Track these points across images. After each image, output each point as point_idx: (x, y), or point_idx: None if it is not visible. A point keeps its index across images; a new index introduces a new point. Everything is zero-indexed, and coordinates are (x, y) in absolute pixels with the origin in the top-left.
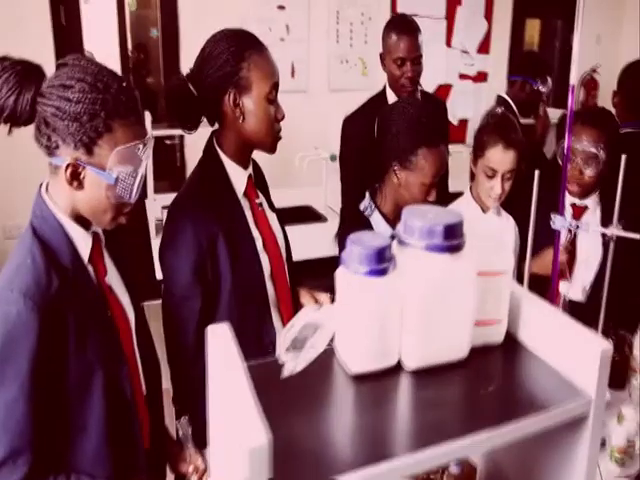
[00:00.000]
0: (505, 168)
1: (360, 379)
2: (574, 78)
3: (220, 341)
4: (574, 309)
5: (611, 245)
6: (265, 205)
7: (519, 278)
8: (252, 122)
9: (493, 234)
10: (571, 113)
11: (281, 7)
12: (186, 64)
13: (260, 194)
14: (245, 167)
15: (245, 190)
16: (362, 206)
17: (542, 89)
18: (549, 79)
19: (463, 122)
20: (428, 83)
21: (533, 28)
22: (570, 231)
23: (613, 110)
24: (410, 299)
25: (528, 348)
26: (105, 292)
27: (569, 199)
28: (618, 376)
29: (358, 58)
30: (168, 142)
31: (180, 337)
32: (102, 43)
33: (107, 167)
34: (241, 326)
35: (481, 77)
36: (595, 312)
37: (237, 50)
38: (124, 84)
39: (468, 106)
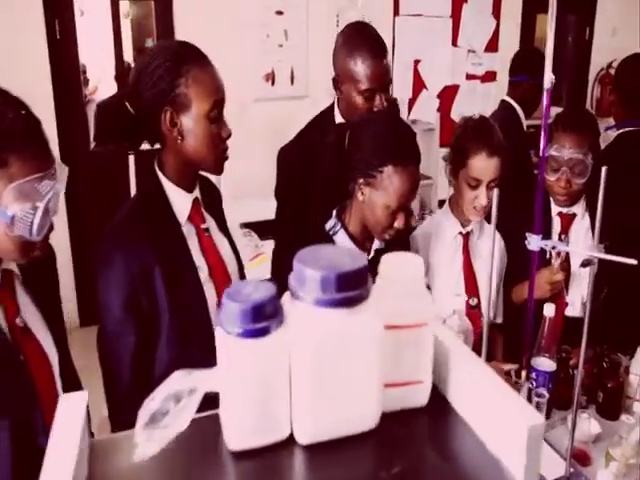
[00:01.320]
0: (490, 177)
1: (242, 456)
2: (547, 82)
3: (68, 412)
4: (574, 327)
5: (591, 270)
6: (214, 230)
7: (506, 302)
8: (192, 142)
9: (416, 277)
10: (546, 119)
11: (279, 12)
12: None
13: (209, 218)
14: (189, 190)
15: (190, 215)
16: (328, 225)
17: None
18: (553, 76)
19: None
20: (433, 85)
21: (544, 24)
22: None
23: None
24: (298, 362)
25: (457, 413)
26: (16, 334)
27: (556, 208)
28: (611, 405)
29: None
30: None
31: (115, 373)
32: (98, 56)
33: (2, 204)
34: (184, 363)
35: (489, 76)
36: (596, 329)
37: (173, 65)
38: (22, 112)
39: (476, 107)
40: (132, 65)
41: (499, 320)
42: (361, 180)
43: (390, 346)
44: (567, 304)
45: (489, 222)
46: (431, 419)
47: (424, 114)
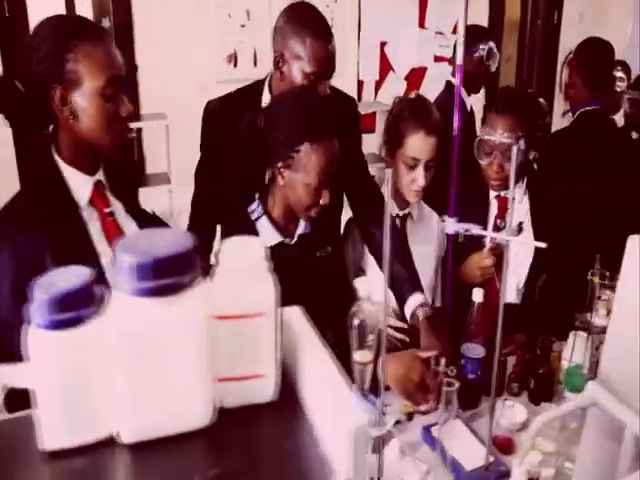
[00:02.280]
0: (427, 156)
1: (56, 457)
2: (460, 58)
3: None
4: (510, 312)
5: (505, 252)
6: (121, 214)
7: (444, 286)
8: (86, 122)
9: (254, 263)
10: (459, 93)
11: None
12: (142, 56)
13: (115, 201)
14: (90, 172)
15: (91, 198)
16: (250, 209)
17: (485, 57)
18: (493, 48)
19: None
20: (400, 67)
21: (514, 5)
22: (498, 229)
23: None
24: (113, 355)
25: (303, 409)
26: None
27: (493, 191)
28: (543, 391)
29: None
30: None
31: (7, 360)
32: None
33: None
34: None
35: None
36: (532, 315)
37: (61, 40)
38: None
39: None
40: None
41: (437, 304)
42: (279, 164)
43: (224, 338)
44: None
45: (429, 205)
46: (275, 416)
47: (391, 97)
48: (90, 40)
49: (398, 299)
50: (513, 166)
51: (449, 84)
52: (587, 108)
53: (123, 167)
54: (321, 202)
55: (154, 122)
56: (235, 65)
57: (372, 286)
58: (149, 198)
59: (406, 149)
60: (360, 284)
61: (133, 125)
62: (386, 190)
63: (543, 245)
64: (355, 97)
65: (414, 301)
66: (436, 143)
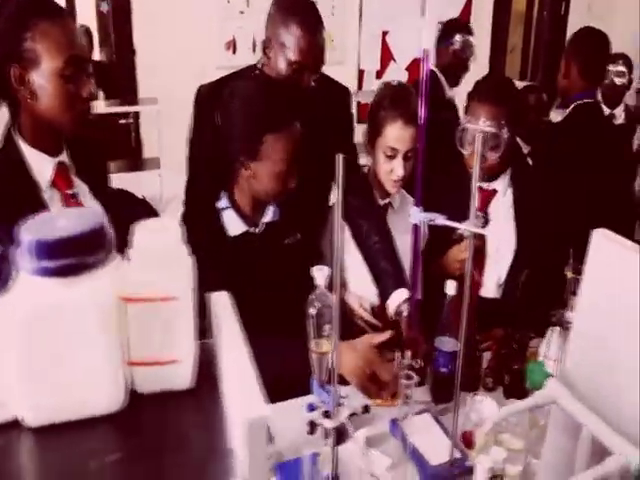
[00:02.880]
0: (406, 146)
1: None
2: (426, 42)
3: None
4: (489, 307)
5: (469, 242)
6: (85, 195)
7: (425, 278)
8: (45, 102)
9: (169, 245)
10: (426, 80)
11: None
12: (140, 41)
13: (80, 183)
14: (53, 153)
15: (53, 180)
16: (218, 201)
17: (460, 49)
18: (470, 39)
19: None
20: (402, 57)
21: None
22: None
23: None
24: (11, 337)
25: (219, 396)
26: None
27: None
28: (517, 387)
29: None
30: (122, 121)
31: None
32: None
33: None
34: None
35: None
36: (512, 310)
37: (19, 18)
38: None
39: None
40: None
41: (418, 296)
42: (243, 158)
43: (135, 321)
44: (480, 284)
45: (411, 194)
46: (190, 403)
47: None
48: (48, 18)
49: (382, 294)
50: (477, 158)
51: (433, 73)
52: (582, 101)
53: (89, 148)
54: (290, 186)
55: (146, 107)
56: (234, 52)
57: (350, 275)
58: (142, 183)
59: (385, 138)
60: (317, 272)
61: (127, 110)
62: (338, 185)
63: (484, 232)
64: (355, 86)
65: (398, 296)
66: (416, 134)
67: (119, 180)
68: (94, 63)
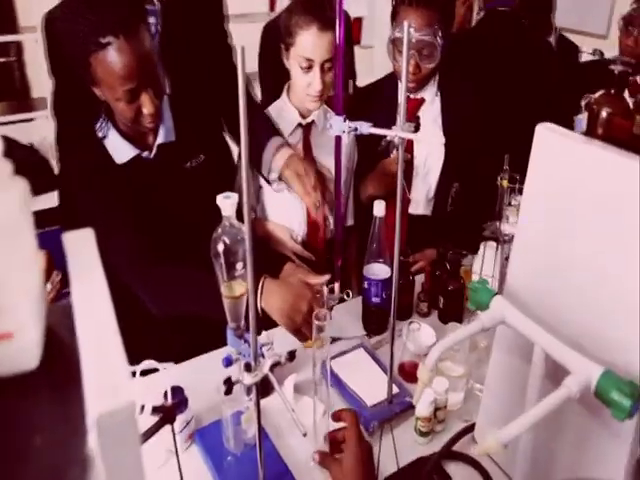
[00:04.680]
0: (323, 56)
1: None
2: None
3: None
4: (420, 224)
5: (400, 150)
6: None
7: (356, 202)
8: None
9: None
10: None
11: None
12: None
13: None
14: None
15: None
16: (97, 126)
17: None
18: None
19: (357, 20)
20: None
21: None
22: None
23: None
24: None
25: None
26: None
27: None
28: (453, 310)
29: None
30: (2, 60)
31: None
32: None
33: None
34: None
35: None
36: (443, 227)
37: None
38: None
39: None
40: None
41: (350, 222)
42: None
43: None
44: (409, 201)
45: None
46: (37, 389)
47: None
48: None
49: (259, 154)
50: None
51: None
52: (497, 8)
53: None
54: (145, 111)
55: (26, 36)
56: None
57: (270, 204)
58: (32, 126)
59: (298, 48)
60: (223, 201)
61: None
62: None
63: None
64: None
65: (275, 142)
66: (333, 40)
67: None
68: None
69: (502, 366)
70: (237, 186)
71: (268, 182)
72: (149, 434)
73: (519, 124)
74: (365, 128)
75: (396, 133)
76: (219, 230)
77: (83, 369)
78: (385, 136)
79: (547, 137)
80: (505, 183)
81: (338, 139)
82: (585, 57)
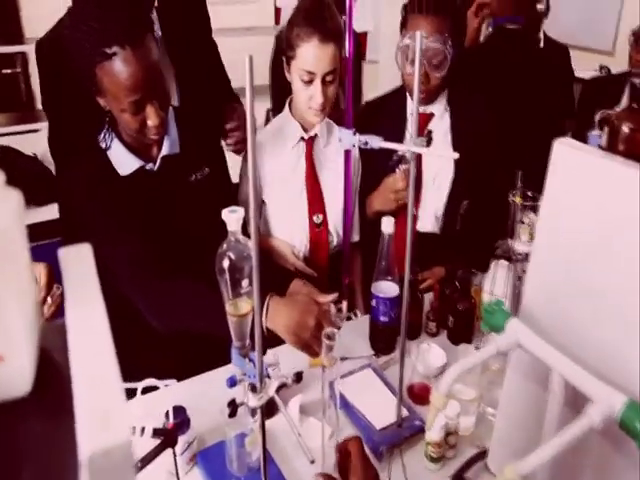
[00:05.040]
0: (324, 68)
1: None
2: None
3: None
4: (428, 243)
5: (411, 166)
6: None
7: (362, 218)
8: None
9: None
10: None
11: None
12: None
13: None
14: None
15: None
16: (100, 137)
17: None
18: None
19: (362, 35)
20: None
21: None
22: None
23: None
24: None
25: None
26: None
27: (410, 107)
28: (463, 330)
29: None
30: (8, 71)
31: None
32: None
33: None
34: None
35: None
36: (452, 245)
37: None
38: None
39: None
40: None
41: (356, 238)
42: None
43: None
44: (417, 218)
45: (346, 125)
46: (28, 416)
47: None
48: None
49: None
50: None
51: None
52: (505, 25)
53: None
54: (149, 123)
55: (30, 47)
56: None
57: (274, 220)
58: (39, 137)
59: (299, 60)
60: (228, 216)
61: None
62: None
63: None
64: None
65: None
66: (336, 52)
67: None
68: None
69: (517, 390)
70: (241, 199)
71: None
72: (149, 459)
73: (531, 140)
74: (376, 142)
75: (408, 147)
76: (224, 246)
77: (75, 398)
78: (396, 151)
79: (566, 153)
80: (518, 200)
81: (347, 153)
82: (592, 74)
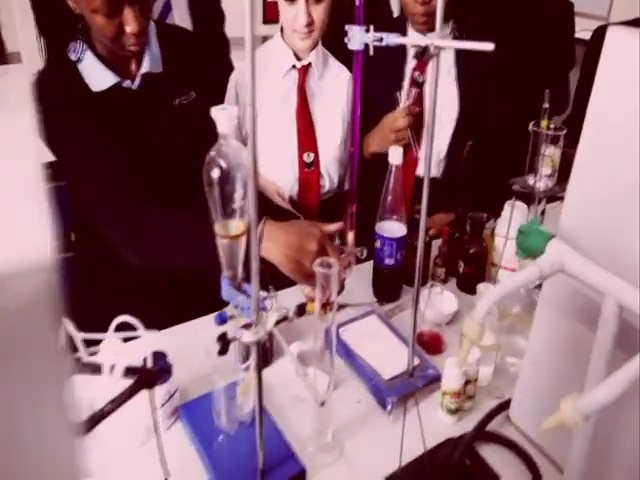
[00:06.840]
0: None
1: None
2: None
3: None
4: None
5: (435, 63)
6: None
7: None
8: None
9: None
10: None
11: None
12: None
13: None
14: None
15: None
16: (69, 48)
17: None
18: None
19: None
20: None
21: None
22: (416, 84)
23: None
24: None
25: None
26: None
27: (414, 36)
28: (474, 276)
29: None
30: None
31: None
32: None
33: None
34: None
35: None
36: (458, 188)
37: None
38: None
39: None
40: None
41: (347, 186)
42: None
43: None
44: (417, 161)
45: (336, 56)
46: None
47: None
48: None
49: None
50: None
51: None
52: None
53: None
54: (128, 29)
55: None
56: None
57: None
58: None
59: None
60: (219, 114)
61: None
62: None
63: (490, 47)
64: None
65: None
66: None
67: None
68: None
69: (551, 329)
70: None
71: None
72: (121, 400)
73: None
74: (392, 38)
75: (431, 40)
76: (213, 152)
77: None
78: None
79: (622, 41)
80: (545, 124)
81: (357, 57)
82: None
